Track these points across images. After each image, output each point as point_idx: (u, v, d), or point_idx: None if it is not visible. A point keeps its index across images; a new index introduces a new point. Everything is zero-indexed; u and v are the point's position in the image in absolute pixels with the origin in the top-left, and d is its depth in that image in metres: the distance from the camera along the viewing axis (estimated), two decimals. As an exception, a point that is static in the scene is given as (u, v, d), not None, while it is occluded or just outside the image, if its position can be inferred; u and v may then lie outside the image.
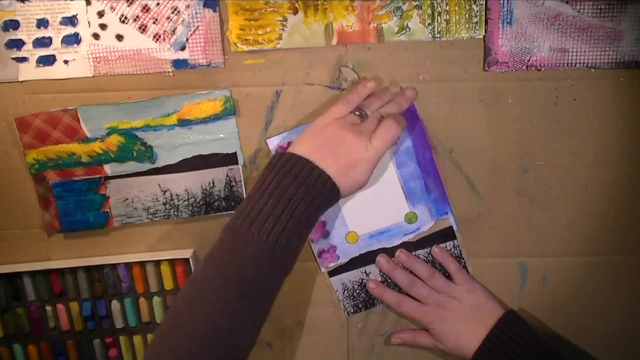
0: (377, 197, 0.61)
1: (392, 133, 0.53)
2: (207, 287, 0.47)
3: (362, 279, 0.64)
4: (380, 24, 0.56)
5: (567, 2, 0.55)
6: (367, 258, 0.63)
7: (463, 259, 0.63)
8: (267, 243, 0.47)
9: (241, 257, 0.47)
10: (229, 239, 0.49)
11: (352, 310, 0.65)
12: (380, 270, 0.63)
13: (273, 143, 0.60)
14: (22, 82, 0.58)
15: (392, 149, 0.60)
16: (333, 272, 0.64)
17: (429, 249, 0.63)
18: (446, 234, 0.62)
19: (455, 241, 0.63)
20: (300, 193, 0.49)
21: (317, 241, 0.63)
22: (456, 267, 0.62)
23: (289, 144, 0.60)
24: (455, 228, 0.62)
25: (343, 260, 0.63)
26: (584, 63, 0.57)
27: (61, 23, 0.57)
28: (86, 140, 0.60)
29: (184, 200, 0.62)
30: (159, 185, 0.61)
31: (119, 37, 0.57)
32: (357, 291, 0.64)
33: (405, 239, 0.63)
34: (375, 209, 0.62)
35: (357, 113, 0.54)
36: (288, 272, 0.50)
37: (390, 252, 0.63)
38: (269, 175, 0.50)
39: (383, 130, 0.53)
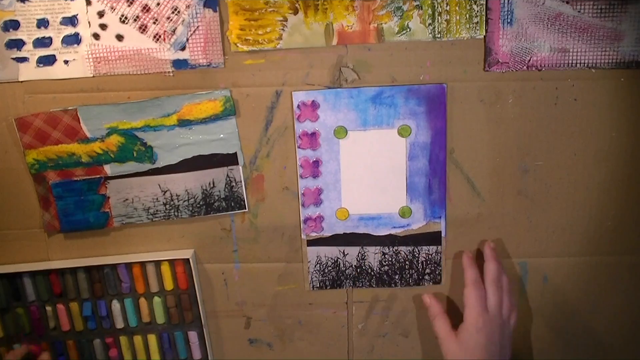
0: (379, 182, 0.61)
1: None
2: None
3: (338, 258, 0.63)
4: (381, 24, 0.56)
5: (567, 2, 0.55)
6: (349, 238, 0.63)
7: (440, 266, 0.63)
8: None
9: None
10: None
11: (318, 285, 0.64)
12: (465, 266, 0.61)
13: (298, 97, 0.59)
14: (22, 82, 0.58)
15: (409, 140, 0.59)
16: (312, 243, 0.63)
17: (412, 247, 0.62)
18: (433, 238, 0.62)
19: (439, 247, 0.62)
20: None
21: (307, 207, 0.62)
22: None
23: (313, 103, 0.59)
24: (443, 235, 0.62)
25: (326, 233, 0.63)
26: (584, 63, 0.57)
27: (61, 23, 0.57)
28: (86, 140, 0.60)
29: (184, 201, 0.62)
30: (159, 185, 0.61)
31: (119, 37, 0.57)
32: (329, 268, 0.64)
33: (393, 231, 0.62)
34: (374, 192, 0.61)
35: None
36: None
37: (374, 240, 0.63)
38: None
39: None
